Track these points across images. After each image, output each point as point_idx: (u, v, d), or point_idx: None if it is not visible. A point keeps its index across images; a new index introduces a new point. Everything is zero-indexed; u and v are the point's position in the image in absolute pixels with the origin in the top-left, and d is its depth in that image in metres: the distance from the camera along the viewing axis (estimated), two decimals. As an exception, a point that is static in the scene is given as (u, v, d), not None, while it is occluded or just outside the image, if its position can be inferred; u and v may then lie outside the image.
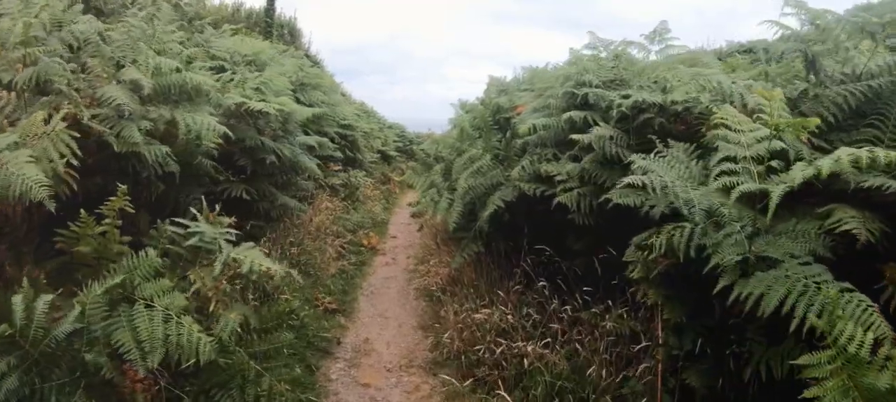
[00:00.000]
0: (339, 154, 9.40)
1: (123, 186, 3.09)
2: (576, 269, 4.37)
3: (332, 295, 6.71)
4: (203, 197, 4.92)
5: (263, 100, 5.01)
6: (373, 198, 12.32)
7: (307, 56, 19.32)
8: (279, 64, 6.39)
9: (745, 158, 2.45)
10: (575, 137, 3.86)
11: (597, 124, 4.16)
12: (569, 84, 4.52)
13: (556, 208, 4.14)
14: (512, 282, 4.88)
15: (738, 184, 2.27)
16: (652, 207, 3.34)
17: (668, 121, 3.99)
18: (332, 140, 10.04)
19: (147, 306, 2.65)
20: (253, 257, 2.92)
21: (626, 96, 4.13)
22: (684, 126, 4.02)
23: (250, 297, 4.79)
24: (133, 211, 3.18)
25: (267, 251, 5.70)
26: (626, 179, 2.57)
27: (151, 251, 2.87)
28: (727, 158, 2.51)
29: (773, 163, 2.44)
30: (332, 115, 9.35)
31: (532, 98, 5.08)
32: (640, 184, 2.51)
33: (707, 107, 3.50)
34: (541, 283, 4.43)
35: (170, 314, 2.63)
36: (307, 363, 4.82)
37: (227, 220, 3.21)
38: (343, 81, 28.92)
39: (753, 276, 2.20)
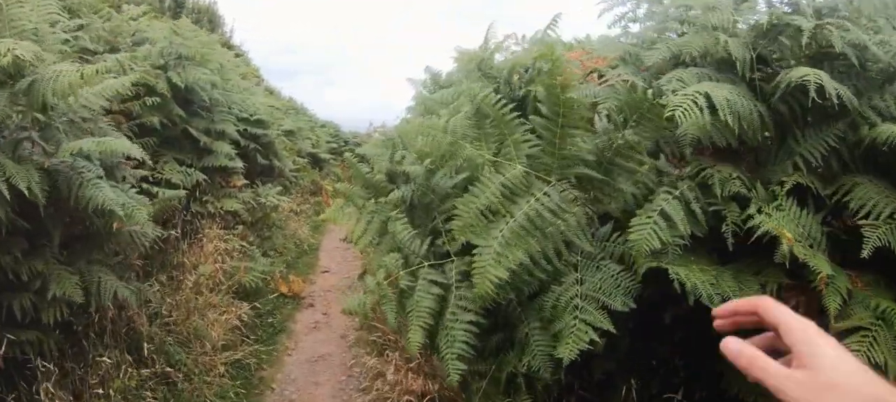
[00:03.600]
0: (238, 164, 5.97)
1: None
2: None
3: (212, 425, 3.45)
4: None
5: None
6: (299, 214, 8.92)
7: (228, 46, 15.69)
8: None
9: None
10: None
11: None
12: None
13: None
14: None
15: None
16: None
17: None
18: (238, 144, 6.60)
19: None
20: None
21: None
22: None
23: None
24: None
25: None
26: None
27: None
28: None
29: None
30: (223, 101, 5.90)
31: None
32: None
33: None
34: None
35: None
36: None
37: None
38: (282, 86, 25.29)
39: None
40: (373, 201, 3.06)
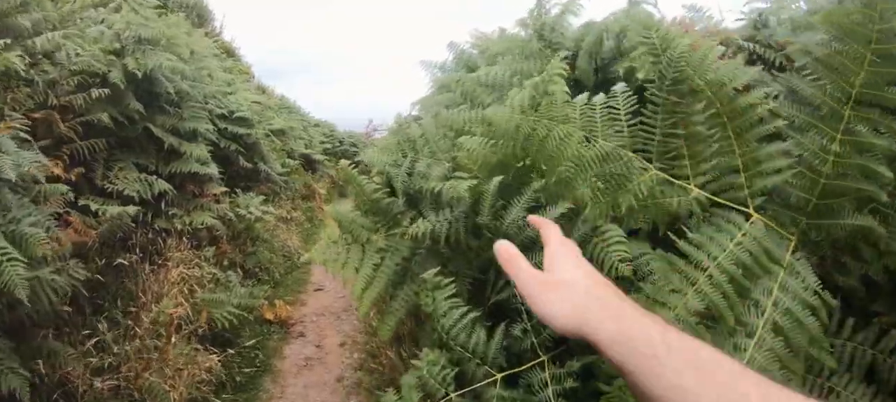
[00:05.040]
0: (213, 169, 4.95)
1: None
2: None
3: None
4: None
5: None
6: (289, 222, 7.90)
7: (213, 37, 14.65)
8: None
9: None
10: None
11: None
12: None
13: None
14: None
15: None
16: None
17: None
18: (216, 146, 5.60)
19: None
20: None
21: None
22: None
23: None
24: None
25: None
26: None
27: None
28: None
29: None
30: (195, 95, 4.89)
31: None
32: None
33: None
34: None
35: None
36: None
37: None
38: (275, 84, 24.24)
39: None
40: (383, 233, 2.08)
